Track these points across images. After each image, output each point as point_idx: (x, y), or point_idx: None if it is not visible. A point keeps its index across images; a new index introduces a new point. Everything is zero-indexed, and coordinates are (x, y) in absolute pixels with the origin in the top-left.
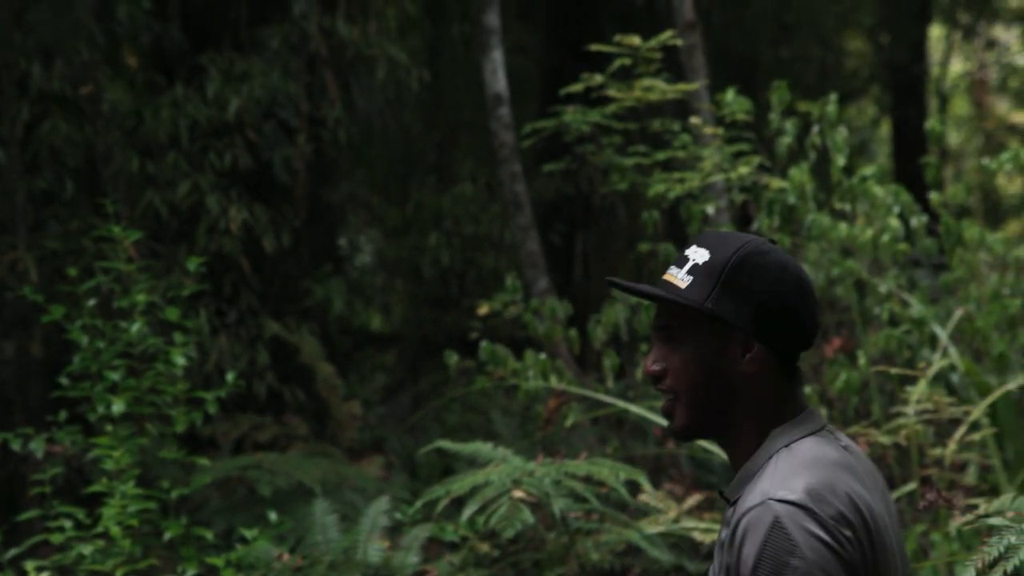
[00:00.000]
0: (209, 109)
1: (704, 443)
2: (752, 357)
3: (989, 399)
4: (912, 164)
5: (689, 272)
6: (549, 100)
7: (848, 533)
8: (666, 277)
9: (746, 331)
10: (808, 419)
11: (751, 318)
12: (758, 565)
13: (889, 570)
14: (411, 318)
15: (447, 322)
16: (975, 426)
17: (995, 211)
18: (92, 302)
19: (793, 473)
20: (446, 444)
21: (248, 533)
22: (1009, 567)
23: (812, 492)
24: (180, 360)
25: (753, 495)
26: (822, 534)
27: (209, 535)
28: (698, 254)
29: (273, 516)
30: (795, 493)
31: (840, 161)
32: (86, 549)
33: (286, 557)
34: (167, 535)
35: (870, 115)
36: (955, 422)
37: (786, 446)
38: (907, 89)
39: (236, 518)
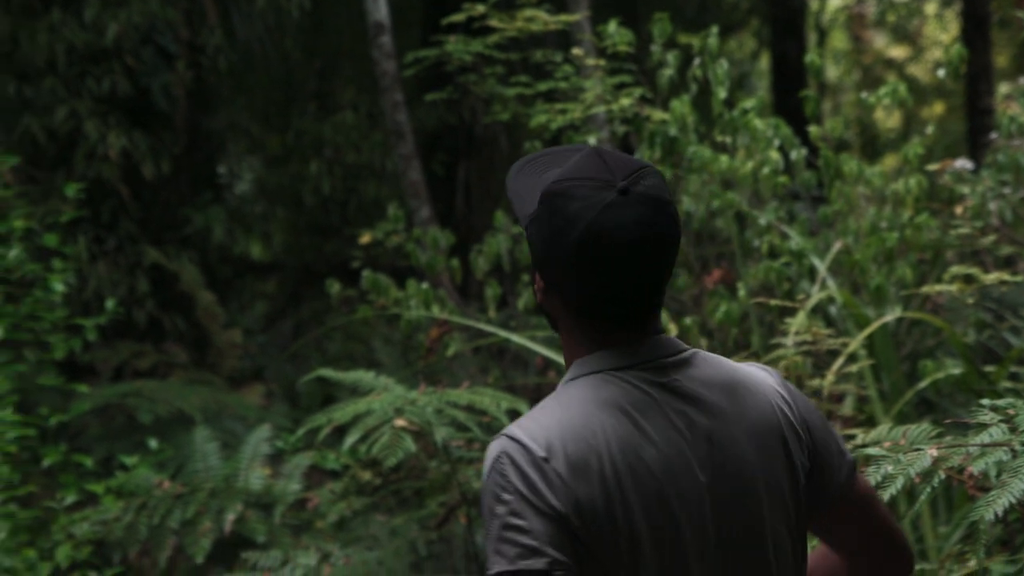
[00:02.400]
0: (87, 34)
1: None
2: (538, 289)
3: (866, 331)
4: (791, 98)
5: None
6: (431, 29)
7: (567, 477)
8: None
9: (533, 262)
10: (625, 353)
11: (538, 251)
12: (482, 494)
13: (649, 521)
14: (292, 246)
15: (328, 250)
16: (852, 358)
17: (872, 145)
18: None
19: (543, 411)
20: (328, 373)
21: (128, 460)
22: (886, 496)
23: (542, 432)
24: (59, 287)
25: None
26: (531, 473)
27: (89, 462)
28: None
29: (153, 443)
30: (525, 431)
31: (721, 94)
32: None
33: (167, 484)
34: (46, 462)
35: (750, 48)
36: (833, 353)
37: (567, 382)
38: (786, 22)
39: (116, 445)
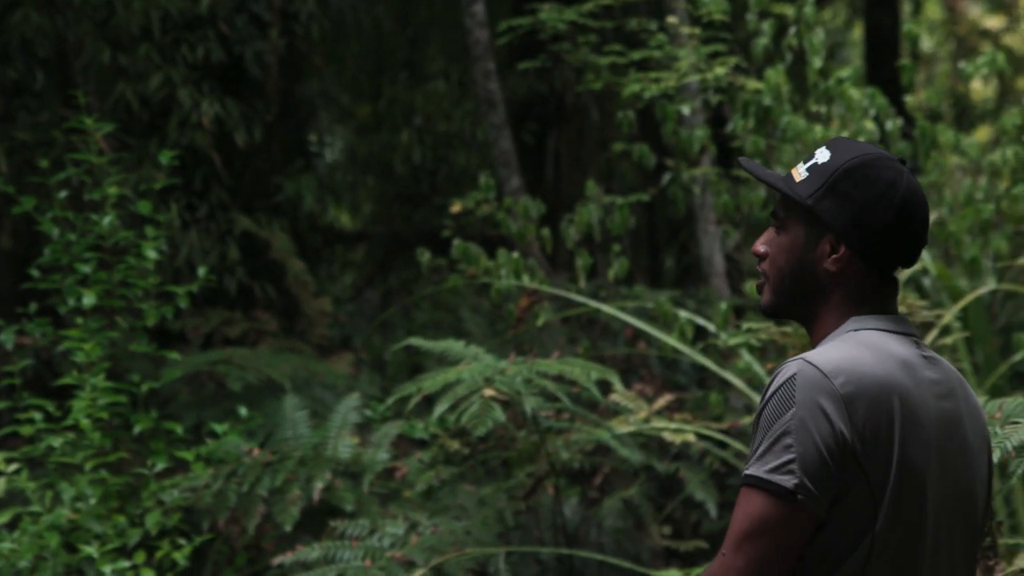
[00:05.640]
0: (181, 1)
1: (677, 344)
2: (837, 258)
3: (960, 303)
4: (885, 68)
5: (808, 169)
6: None
7: (860, 409)
8: (791, 170)
9: (837, 233)
10: (893, 320)
11: (844, 222)
12: (763, 409)
13: (914, 467)
14: (382, 215)
15: (418, 220)
16: (946, 330)
17: (967, 116)
18: (63, 194)
19: (838, 348)
20: (418, 341)
21: (218, 428)
22: None
23: (838, 364)
24: (151, 254)
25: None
26: (823, 401)
27: (179, 429)
28: (822, 154)
29: (243, 411)
30: (824, 361)
31: (817, 63)
32: (56, 441)
33: (256, 452)
34: (137, 428)
35: (843, 18)
36: (927, 326)
37: (855, 330)
38: None
39: (206, 413)
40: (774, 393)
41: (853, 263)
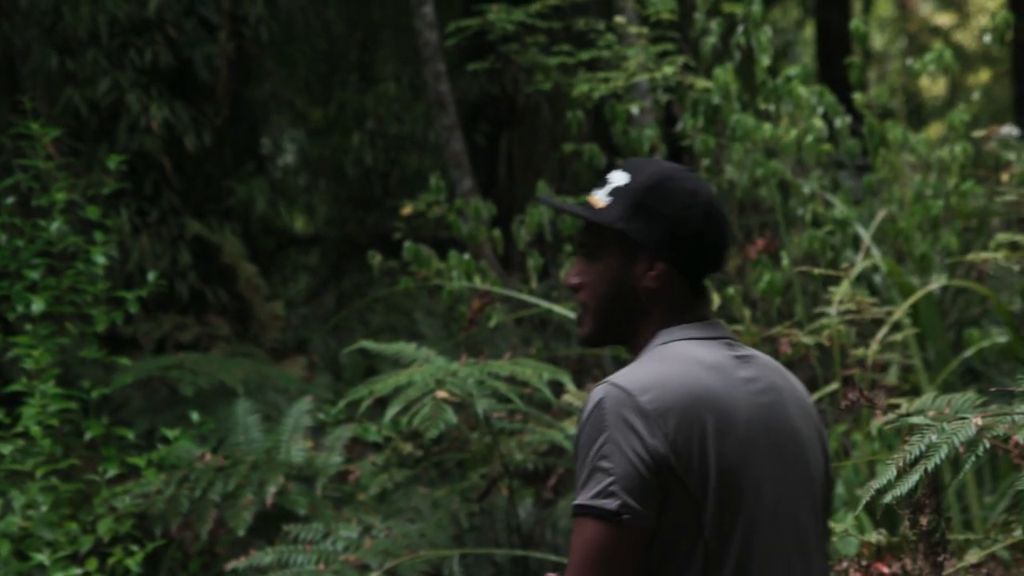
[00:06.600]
0: (129, 5)
1: None
2: (655, 275)
3: (911, 299)
4: (835, 66)
5: (609, 194)
6: None
7: (670, 422)
8: (588, 198)
9: (651, 250)
10: (702, 327)
11: (657, 238)
12: (579, 436)
13: (732, 468)
14: (334, 218)
15: (370, 222)
16: (897, 326)
17: (918, 113)
18: (10, 200)
19: (644, 365)
20: (369, 344)
21: (170, 433)
22: (930, 465)
23: (644, 382)
24: (100, 259)
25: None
26: (633, 419)
27: (130, 435)
28: (618, 177)
29: (195, 416)
30: (628, 380)
31: (765, 61)
32: (6, 449)
33: (208, 457)
34: (88, 435)
35: (794, 16)
36: (877, 322)
37: (662, 344)
38: None
39: (158, 418)
40: (586, 421)
41: (671, 276)
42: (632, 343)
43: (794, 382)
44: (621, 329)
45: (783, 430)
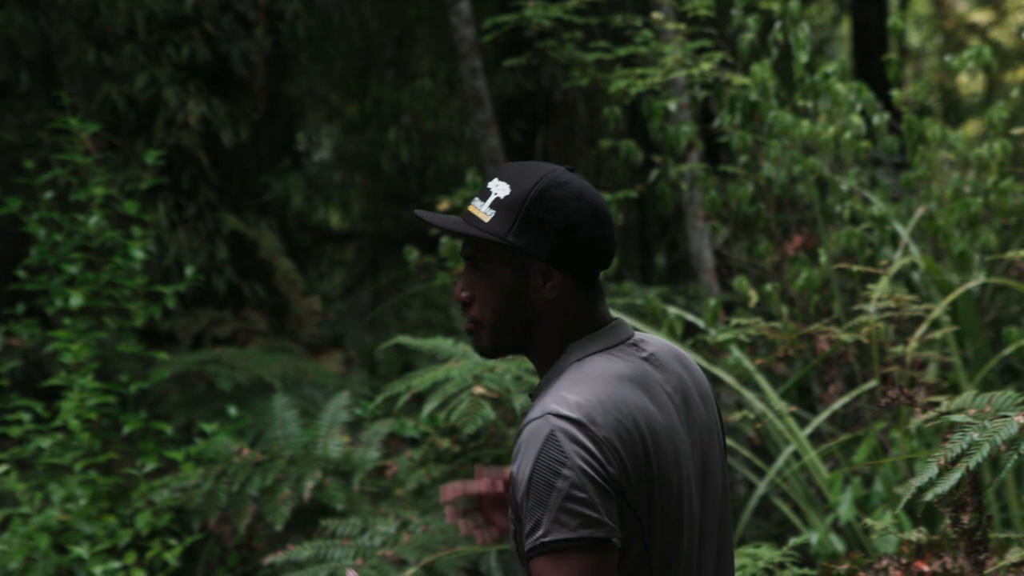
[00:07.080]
0: (166, 1)
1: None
2: (552, 285)
3: (950, 297)
4: (872, 63)
5: (492, 206)
6: None
7: (619, 448)
8: (470, 209)
9: (546, 261)
10: (608, 333)
11: (551, 249)
12: (533, 474)
13: (669, 480)
14: (370, 214)
15: (407, 218)
16: (936, 324)
17: (955, 110)
18: (49, 195)
19: (575, 389)
20: (406, 340)
21: (208, 427)
22: (972, 463)
23: (587, 410)
24: (138, 254)
25: (536, 409)
26: (592, 448)
27: (168, 429)
28: (499, 188)
29: (233, 411)
30: (571, 409)
31: (802, 58)
32: (44, 442)
33: (246, 451)
34: (126, 429)
35: (830, 13)
36: (916, 320)
37: (578, 360)
38: None
39: (195, 412)
40: (538, 457)
41: (567, 284)
42: (532, 352)
43: (691, 364)
44: (521, 341)
45: (697, 424)
